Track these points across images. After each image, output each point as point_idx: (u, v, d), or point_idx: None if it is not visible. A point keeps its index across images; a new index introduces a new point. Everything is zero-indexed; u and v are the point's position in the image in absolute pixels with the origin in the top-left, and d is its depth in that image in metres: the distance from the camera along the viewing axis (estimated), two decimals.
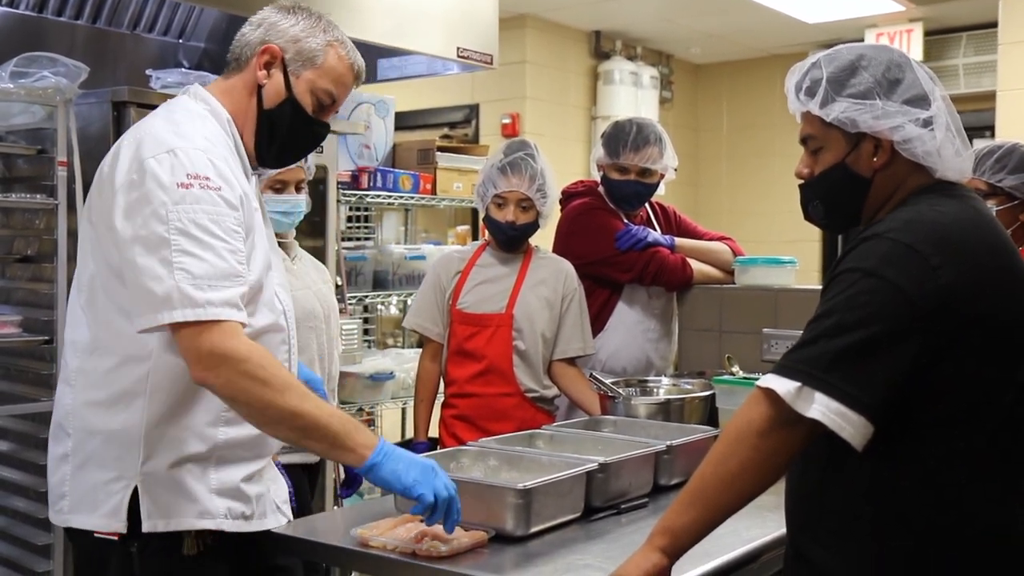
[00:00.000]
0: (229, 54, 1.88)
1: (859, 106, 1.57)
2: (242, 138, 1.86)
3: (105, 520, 1.75)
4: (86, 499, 1.77)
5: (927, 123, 1.57)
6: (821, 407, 1.42)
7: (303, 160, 2.74)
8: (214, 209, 1.67)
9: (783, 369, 1.47)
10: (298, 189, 2.76)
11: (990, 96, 5.88)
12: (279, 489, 1.96)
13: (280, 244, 2.82)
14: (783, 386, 1.45)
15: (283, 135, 1.86)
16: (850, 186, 1.62)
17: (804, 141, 1.67)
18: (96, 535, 1.76)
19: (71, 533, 1.83)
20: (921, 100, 1.58)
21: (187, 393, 1.75)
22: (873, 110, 1.57)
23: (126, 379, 1.74)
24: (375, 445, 1.69)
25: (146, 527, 1.73)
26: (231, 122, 1.84)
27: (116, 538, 1.74)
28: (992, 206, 2.37)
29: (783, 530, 1.66)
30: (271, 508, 1.91)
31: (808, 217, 1.73)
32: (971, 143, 2.28)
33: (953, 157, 1.59)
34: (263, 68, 1.83)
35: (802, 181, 1.69)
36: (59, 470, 1.81)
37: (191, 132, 1.74)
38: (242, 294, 1.68)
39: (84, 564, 1.87)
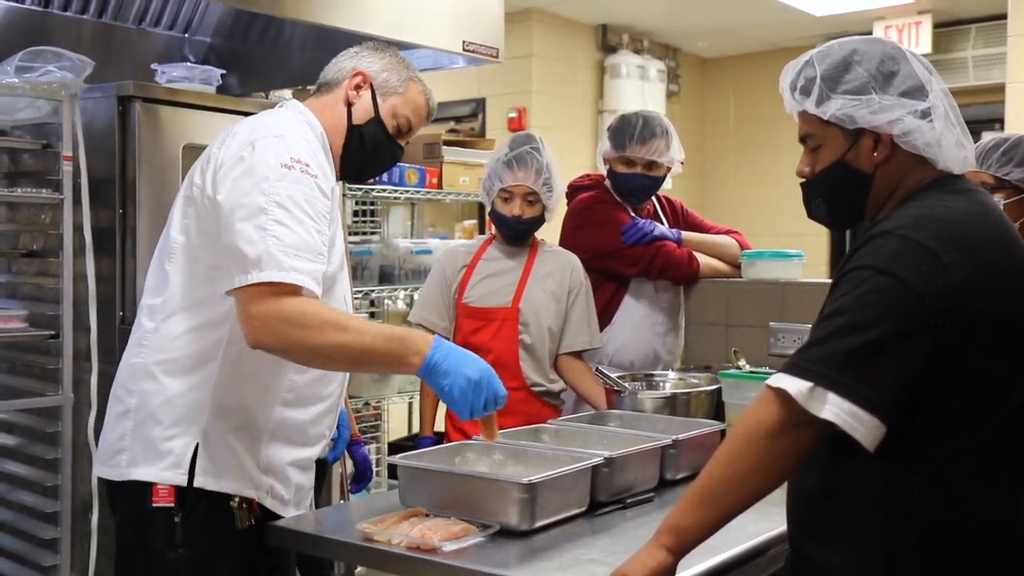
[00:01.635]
0: (321, 78, 2.12)
1: (855, 102, 1.56)
2: (331, 150, 2.05)
3: (167, 472, 1.87)
4: (147, 453, 1.89)
5: (925, 114, 1.55)
6: (834, 408, 1.41)
7: None
8: (310, 192, 1.84)
9: (794, 368, 1.46)
10: None
11: (999, 88, 5.85)
12: (311, 491, 2.09)
13: None
14: (795, 386, 1.43)
15: (368, 149, 2.08)
16: (852, 183, 1.61)
17: (803, 140, 1.66)
18: (152, 502, 1.86)
19: (122, 492, 1.92)
20: (918, 91, 1.56)
21: (256, 366, 1.89)
22: (870, 105, 1.55)
23: (201, 343, 1.89)
24: (425, 354, 1.80)
25: (197, 482, 1.87)
26: (324, 135, 2.04)
27: (166, 502, 1.86)
28: (999, 199, 2.35)
29: None
30: (306, 503, 2.05)
31: (812, 216, 1.71)
32: (980, 135, 2.25)
33: (954, 148, 1.57)
34: (354, 89, 2.07)
35: (804, 180, 1.68)
36: (119, 426, 1.93)
37: (296, 129, 1.95)
38: (323, 273, 1.83)
39: (126, 530, 1.95)
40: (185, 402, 1.89)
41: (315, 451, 2.05)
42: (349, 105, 2.06)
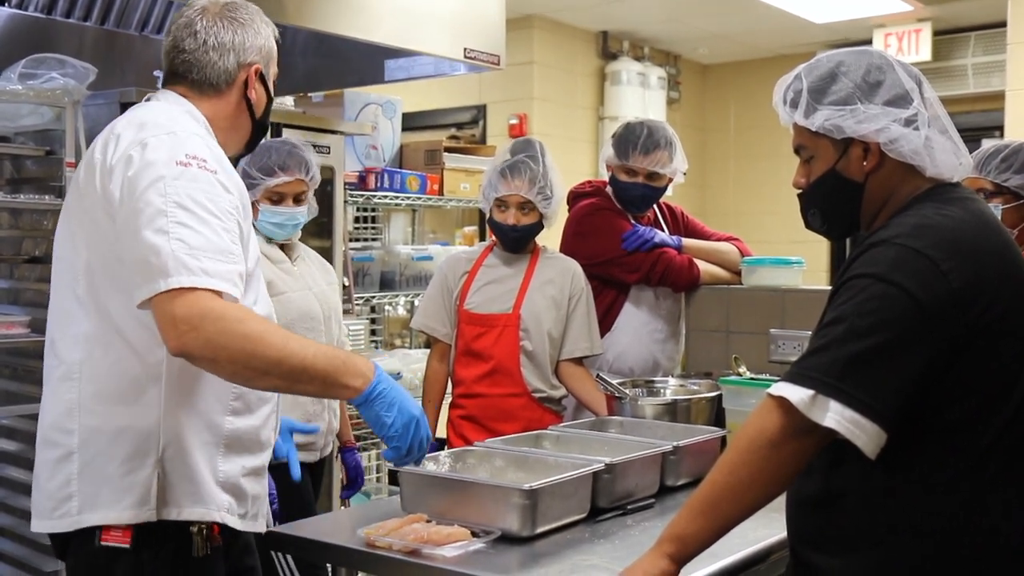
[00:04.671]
0: (198, 75, 1.86)
1: (841, 112, 1.58)
2: (224, 146, 1.87)
3: (130, 512, 1.70)
4: (104, 493, 1.71)
5: (910, 121, 1.57)
6: (836, 415, 1.41)
7: (305, 172, 2.75)
8: (211, 189, 1.68)
9: (795, 376, 1.46)
10: (297, 200, 2.76)
11: (999, 96, 5.87)
12: (266, 502, 1.97)
13: (280, 246, 2.83)
14: (796, 394, 1.44)
15: (265, 129, 2.00)
16: (844, 192, 1.63)
17: (797, 151, 1.68)
18: (103, 543, 1.71)
19: (75, 540, 1.75)
20: (902, 99, 1.58)
21: (200, 380, 1.75)
22: (855, 115, 1.58)
23: (139, 367, 1.72)
24: (370, 380, 1.69)
25: (161, 515, 1.72)
26: (208, 127, 1.86)
27: (126, 544, 1.71)
28: (998, 205, 2.39)
29: None
30: (263, 512, 1.92)
31: (808, 226, 1.73)
32: (979, 143, 2.26)
33: (944, 154, 1.59)
34: (251, 89, 1.91)
35: (799, 191, 1.70)
36: (60, 472, 1.74)
37: (185, 122, 1.79)
38: (239, 273, 1.67)
39: (89, 572, 1.76)
40: (136, 433, 1.71)
41: (266, 457, 1.92)
42: (248, 102, 1.91)
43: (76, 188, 1.78)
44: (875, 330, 1.43)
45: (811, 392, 1.43)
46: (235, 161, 1.96)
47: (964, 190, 1.63)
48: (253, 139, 1.98)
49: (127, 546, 1.71)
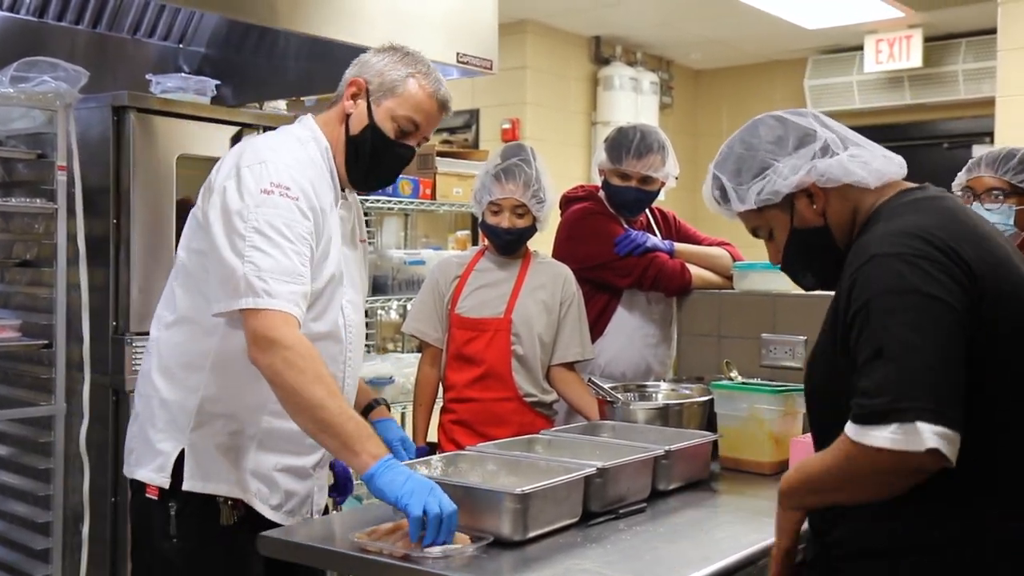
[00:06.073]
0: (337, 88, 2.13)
1: (766, 179, 1.63)
2: (336, 164, 2.08)
3: (153, 474, 1.99)
4: (145, 453, 2.01)
5: (825, 151, 1.62)
6: (932, 435, 1.34)
7: None
8: (289, 215, 1.89)
9: (874, 415, 1.38)
10: None
11: (990, 102, 5.89)
12: (322, 498, 2.15)
13: None
14: (884, 434, 1.36)
15: (366, 158, 2.07)
16: (815, 241, 1.66)
17: (756, 234, 1.73)
18: (146, 494, 1.99)
19: (132, 487, 2.06)
20: (808, 137, 1.64)
21: (242, 376, 1.92)
22: (779, 173, 1.63)
23: (192, 353, 1.98)
24: (381, 457, 1.78)
25: (186, 486, 1.96)
26: (328, 150, 2.07)
27: (156, 496, 1.97)
28: (1012, 205, 2.53)
29: None
30: (302, 512, 2.07)
31: (808, 288, 1.75)
32: (971, 148, 2.29)
33: (877, 160, 1.62)
34: (350, 99, 2.06)
35: (781, 267, 1.75)
36: (131, 429, 2.08)
37: (284, 150, 1.98)
38: (303, 293, 1.88)
39: (136, 519, 2.10)
40: (176, 407, 1.98)
41: (310, 460, 2.08)
42: (347, 117, 2.06)
43: (200, 197, 2.01)
44: (924, 341, 1.38)
45: (894, 424, 1.36)
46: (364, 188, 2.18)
47: (933, 189, 1.65)
48: (348, 157, 2.06)
49: (156, 498, 1.98)
